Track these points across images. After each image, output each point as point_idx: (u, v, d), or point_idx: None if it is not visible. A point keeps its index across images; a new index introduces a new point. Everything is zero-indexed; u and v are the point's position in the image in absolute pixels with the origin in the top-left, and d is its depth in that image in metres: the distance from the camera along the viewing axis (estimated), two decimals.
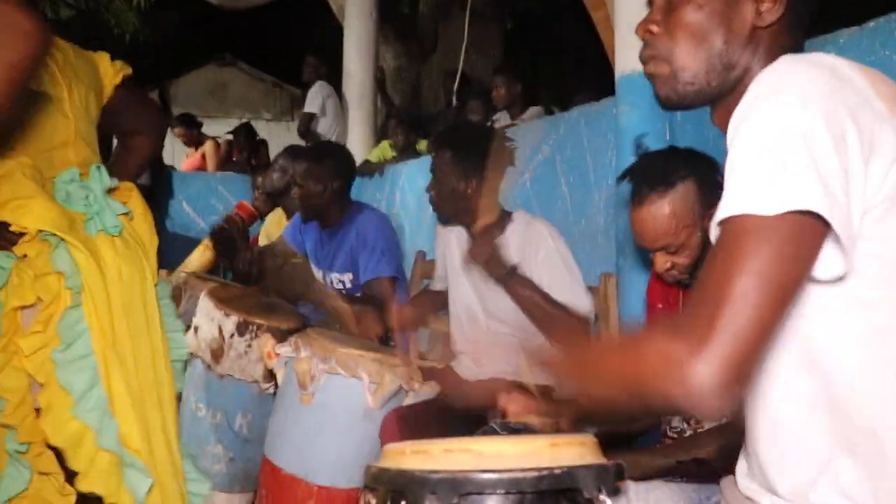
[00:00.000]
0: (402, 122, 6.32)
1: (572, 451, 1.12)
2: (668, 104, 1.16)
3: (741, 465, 1.18)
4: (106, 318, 1.96)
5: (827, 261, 0.94)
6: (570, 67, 10.67)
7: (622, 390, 0.99)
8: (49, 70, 2.02)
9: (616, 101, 2.94)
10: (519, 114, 5.10)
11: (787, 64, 1.01)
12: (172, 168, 8.02)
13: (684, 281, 1.89)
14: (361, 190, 5.90)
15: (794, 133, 0.92)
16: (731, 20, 1.10)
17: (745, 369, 0.89)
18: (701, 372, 0.87)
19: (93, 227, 2.00)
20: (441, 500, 1.05)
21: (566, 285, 2.42)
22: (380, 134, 6.79)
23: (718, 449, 1.57)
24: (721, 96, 1.14)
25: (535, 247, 2.47)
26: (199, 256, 4.11)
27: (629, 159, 2.76)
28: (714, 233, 0.96)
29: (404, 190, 5.40)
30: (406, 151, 5.96)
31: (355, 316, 3.00)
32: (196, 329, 2.90)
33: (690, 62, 1.12)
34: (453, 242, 2.73)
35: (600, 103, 3.39)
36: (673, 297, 2.14)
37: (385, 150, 6.31)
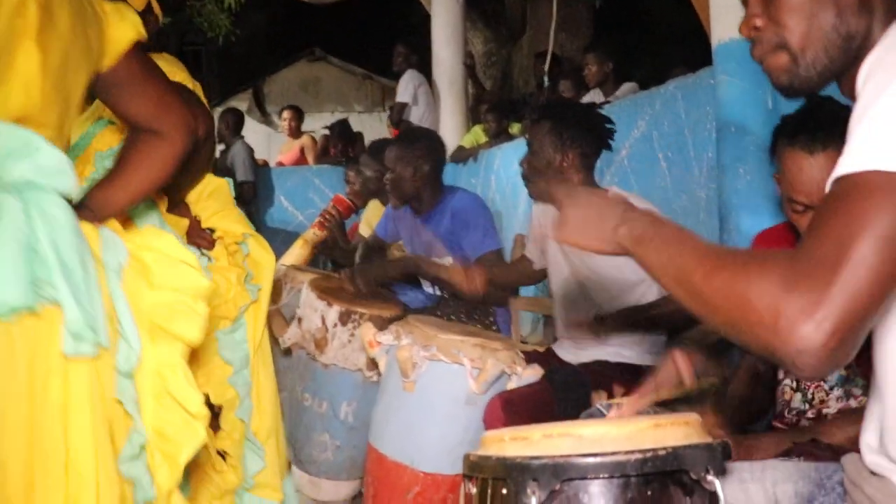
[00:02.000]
0: (494, 106, 6.30)
1: (677, 432, 1.09)
2: (793, 92, 1.10)
3: (869, 439, 1.11)
4: (258, 316, 2.30)
5: None
6: (663, 42, 10.46)
7: (722, 314, 0.92)
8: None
9: (713, 72, 2.84)
10: (612, 91, 5.00)
11: None
12: (266, 164, 8.21)
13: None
14: (456, 176, 5.90)
15: None
16: None
17: (855, 335, 0.85)
18: (811, 334, 0.83)
19: None
20: (543, 487, 1.04)
21: None
22: (472, 119, 6.79)
23: (847, 440, 1.48)
24: (846, 69, 1.08)
25: None
26: (298, 250, 4.20)
27: (730, 131, 2.68)
28: (832, 185, 0.91)
29: (499, 174, 5.37)
30: (499, 136, 5.93)
31: (462, 270, 2.95)
32: (300, 320, 2.95)
33: (808, 43, 1.06)
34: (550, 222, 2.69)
35: (697, 75, 3.29)
36: None
37: (478, 134, 6.30)
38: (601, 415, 2.19)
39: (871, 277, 0.84)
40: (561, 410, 2.26)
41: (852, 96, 1.00)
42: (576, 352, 2.63)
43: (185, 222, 2.23)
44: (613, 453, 1.04)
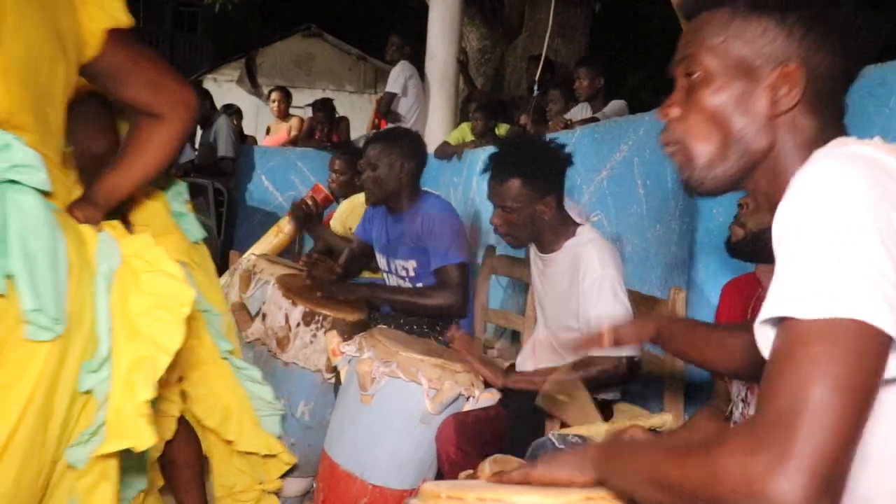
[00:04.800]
0: (483, 105, 6.28)
1: None
2: (689, 189, 1.12)
3: None
4: None
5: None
6: (659, 51, 10.45)
7: (699, 498, 0.90)
8: None
9: None
10: (600, 107, 5.01)
11: (823, 162, 0.95)
12: (254, 140, 8.15)
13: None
14: (439, 173, 5.90)
15: (839, 238, 0.87)
16: (748, 105, 1.06)
17: (833, 482, 0.83)
18: (786, 488, 0.82)
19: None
20: None
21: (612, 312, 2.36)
22: (460, 116, 6.78)
23: None
24: (746, 179, 1.10)
25: (584, 273, 2.40)
26: (272, 238, 4.18)
27: None
28: (765, 333, 0.92)
29: (482, 176, 5.37)
30: (485, 135, 5.93)
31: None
32: (264, 316, 2.96)
33: (707, 147, 1.08)
34: (532, 251, 2.70)
35: None
36: (741, 317, 2.09)
37: (465, 132, 6.29)
38: (552, 446, 2.22)
39: (835, 422, 0.83)
40: (513, 437, 2.28)
41: (758, 198, 1.04)
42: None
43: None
44: None
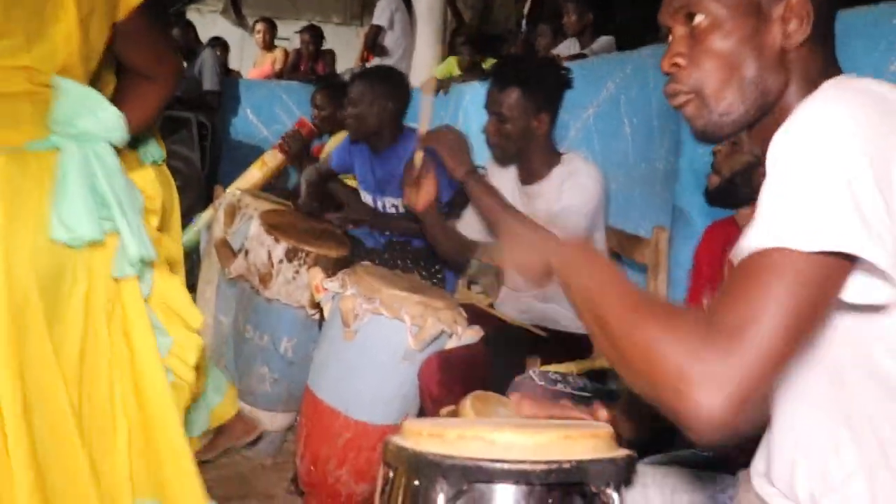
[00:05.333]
0: (471, 39, 6.20)
1: (585, 445, 1.13)
2: (705, 137, 1.12)
3: (759, 465, 1.17)
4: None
5: (870, 289, 0.92)
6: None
7: (630, 365, 0.94)
8: None
9: None
10: (588, 42, 4.96)
11: (831, 93, 0.97)
12: (239, 74, 8.03)
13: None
14: None
15: (835, 169, 0.88)
16: (760, 44, 1.06)
17: (750, 404, 0.87)
18: (705, 401, 0.85)
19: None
20: (451, 486, 1.08)
21: (577, 214, 2.42)
22: (448, 50, 6.69)
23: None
24: (758, 121, 1.10)
25: (571, 183, 2.45)
26: (256, 172, 4.14)
27: None
28: (742, 253, 0.93)
29: (468, 111, 5.33)
30: (473, 70, 5.86)
31: None
32: (246, 252, 2.96)
33: (725, 92, 1.07)
34: (508, 184, 2.70)
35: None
36: (720, 265, 2.11)
37: (451, 66, 6.22)
38: (532, 382, 2.25)
39: (775, 348, 0.87)
40: (496, 374, 2.30)
41: (762, 148, 1.02)
42: (518, 313, 2.68)
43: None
44: (521, 462, 1.07)
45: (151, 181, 1.96)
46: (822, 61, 1.08)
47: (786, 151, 0.93)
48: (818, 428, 1.05)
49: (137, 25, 1.89)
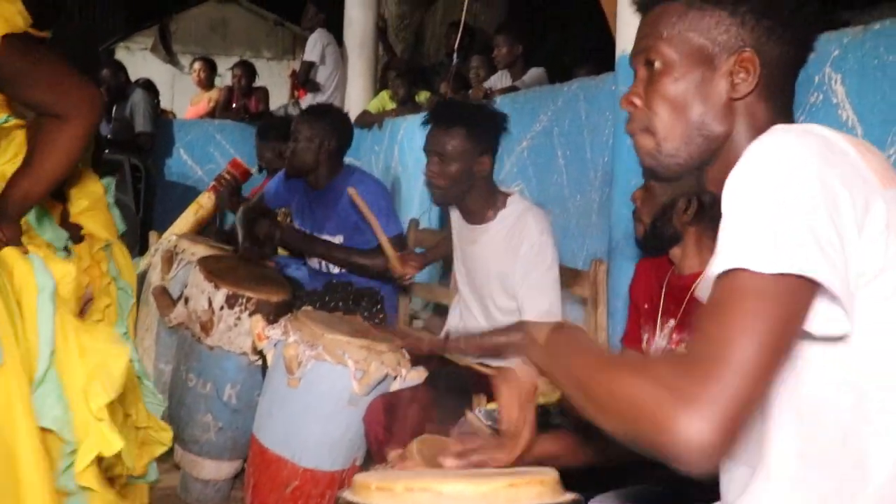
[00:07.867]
0: (403, 72, 6.23)
1: (530, 492, 1.16)
2: (654, 175, 1.18)
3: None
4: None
5: (829, 320, 0.95)
6: (576, 29, 10.49)
7: (612, 413, 0.97)
8: None
9: (615, 78, 2.89)
10: (520, 74, 5.03)
11: (779, 133, 1.02)
12: (172, 114, 7.94)
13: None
14: (360, 142, 5.86)
15: (791, 199, 0.93)
16: (707, 92, 1.12)
17: (734, 431, 0.89)
18: (694, 430, 0.87)
19: None
20: None
21: (532, 287, 2.43)
22: (380, 84, 6.72)
23: None
24: (705, 165, 1.15)
25: (520, 239, 2.45)
26: (192, 216, 4.11)
27: (626, 142, 2.73)
28: (708, 285, 0.97)
29: (402, 145, 5.36)
30: (406, 103, 5.90)
31: (397, 256, 3.12)
32: (186, 300, 2.92)
33: (672, 133, 1.13)
34: (456, 222, 2.71)
35: (600, 78, 3.33)
36: (656, 296, 2.15)
37: (384, 100, 6.25)
38: (478, 422, 2.26)
39: (752, 375, 0.89)
40: (442, 413, 2.31)
41: (717, 190, 1.06)
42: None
43: (60, 207, 2.18)
44: None
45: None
46: (771, 112, 1.13)
47: (741, 185, 0.98)
48: (782, 466, 1.06)
49: (17, 62, 1.67)
